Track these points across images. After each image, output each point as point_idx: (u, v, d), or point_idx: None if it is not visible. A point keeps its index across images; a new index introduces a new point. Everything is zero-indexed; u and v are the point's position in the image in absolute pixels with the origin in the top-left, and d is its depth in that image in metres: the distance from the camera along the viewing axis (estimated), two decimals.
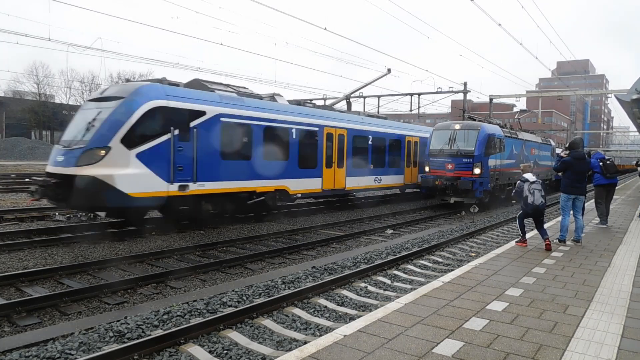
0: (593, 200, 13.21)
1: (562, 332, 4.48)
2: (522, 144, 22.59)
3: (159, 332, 5.43)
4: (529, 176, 8.75)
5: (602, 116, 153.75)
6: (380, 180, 20.02)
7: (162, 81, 12.36)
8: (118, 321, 5.83)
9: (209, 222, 13.80)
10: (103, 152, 10.75)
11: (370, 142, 19.17)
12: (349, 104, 24.95)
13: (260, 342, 5.44)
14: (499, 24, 21.70)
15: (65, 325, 6.08)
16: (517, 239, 9.29)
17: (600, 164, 11.48)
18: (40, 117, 58.13)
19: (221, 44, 28.20)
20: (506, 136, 20.59)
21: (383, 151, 20.09)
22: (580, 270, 7.04)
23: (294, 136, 15.43)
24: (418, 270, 9.16)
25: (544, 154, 26.65)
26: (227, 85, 14.64)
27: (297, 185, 15.67)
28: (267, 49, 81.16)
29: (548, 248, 8.52)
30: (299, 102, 17.42)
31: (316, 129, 16.39)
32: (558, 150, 27.43)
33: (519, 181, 8.82)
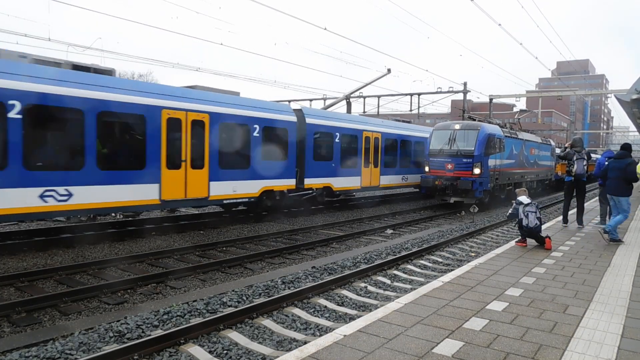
0: (595, 200, 13.22)
1: (562, 332, 4.48)
2: (522, 144, 22.59)
3: (159, 332, 5.43)
4: (524, 199, 8.91)
5: (602, 116, 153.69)
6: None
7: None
8: (118, 321, 5.83)
9: (209, 223, 13.85)
10: None
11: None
12: (349, 104, 24.94)
13: (260, 342, 5.44)
14: (499, 24, 21.69)
15: (65, 325, 6.09)
16: (517, 239, 9.30)
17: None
18: None
19: (221, 44, 28.24)
20: (506, 136, 20.58)
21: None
22: (580, 270, 7.04)
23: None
24: (418, 270, 9.16)
25: (543, 154, 26.65)
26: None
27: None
28: (267, 49, 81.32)
29: (548, 247, 8.54)
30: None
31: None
32: (558, 151, 27.48)
33: (514, 203, 8.98)
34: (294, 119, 15.69)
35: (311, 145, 16.54)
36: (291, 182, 15.67)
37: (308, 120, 16.43)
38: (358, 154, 18.74)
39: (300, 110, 16.76)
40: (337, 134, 17.64)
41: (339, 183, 17.83)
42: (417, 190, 23.55)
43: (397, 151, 21.36)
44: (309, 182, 16.51)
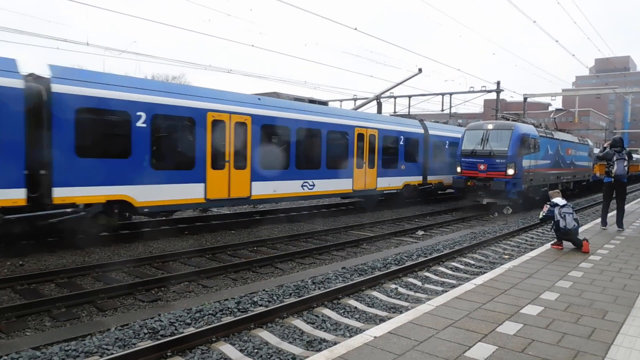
0: (636, 202, 12.74)
1: (601, 338, 4.34)
2: (557, 144, 21.97)
3: (191, 330, 5.53)
4: (559, 200, 8.64)
5: None
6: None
7: None
8: (152, 318, 5.97)
9: (241, 223, 14.05)
10: None
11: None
12: (379, 105, 24.80)
13: (290, 342, 5.47)
14: (534, 21, 21.20)
15: (102, 321, 6.28)
16: (552, 242, 9.05)
17: None
18: None
19: (252, 46, 28.60)
20: (541, 136, 20.05)
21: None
22: (620, 274, 6.79)
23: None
24: (449, 272, 9.03)
25: (580, 154, 25.83)
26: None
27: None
28: (297, 50, 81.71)
29: (586, 250, 8.28)
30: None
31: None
32: (596, 151, 26.59)
33: (548, 206, 8.70)
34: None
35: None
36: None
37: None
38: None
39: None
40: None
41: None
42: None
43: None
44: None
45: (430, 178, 20.77)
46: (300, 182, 14.85)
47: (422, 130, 20.34)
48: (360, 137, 16.94)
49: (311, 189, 15.22)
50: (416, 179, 19.97)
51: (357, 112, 18.37)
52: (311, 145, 15.27)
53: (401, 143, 18.88)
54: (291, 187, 14.60)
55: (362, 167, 16.97)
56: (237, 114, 12.87)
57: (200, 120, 11.96)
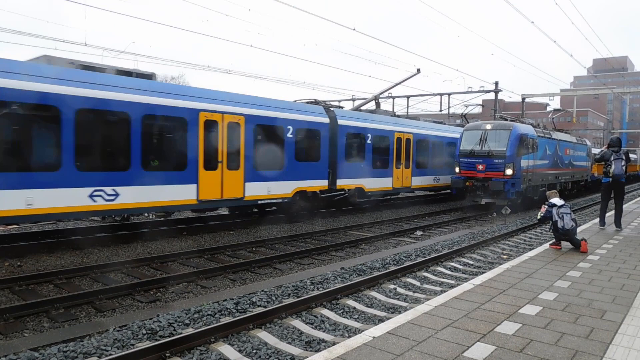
0: (634, 201, 12.76)
1: (600, 338, 4.34)
2: (556, 144, 22.00)
3: (190, 331, 5.53)
4: (556, 200, 8.64)
5: None
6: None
7: None
8: (150, 319, 5.96)
9: (239, 223, 14.03)
10: None
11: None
12: (377, 105, 24.80)
13: (289, 342, 5.46)
14: (532, 22, 21.21)
15: (101, 322, 6.27)
16: (551, 242, 9.06)
17: None
18: None
19: (251, 46, 28.56)
20: (539, 136, 20.08)
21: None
22: (618, 274, 6.80)
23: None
24: (448, 272, 9.03)
25: (579, 154, 25.86)
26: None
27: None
28: (296, 50, 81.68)
29: (584, 250, 8.28)
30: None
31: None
32: (595, 151, 26.62)
33: (546, 206, 8.69)
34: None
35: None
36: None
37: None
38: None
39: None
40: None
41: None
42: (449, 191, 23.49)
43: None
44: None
45: (342, 182, 16.55)
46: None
47: (325, 119, 15.89)
48: (209, 126, 12.26)
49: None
50: (317, 184, 15.58)
51: (204, 91, 12.83)
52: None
53: (289, 135, 14.38)
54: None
55: (216, 169, 12.47)
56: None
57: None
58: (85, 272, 8.50)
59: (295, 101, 16.65)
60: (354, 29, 19.44)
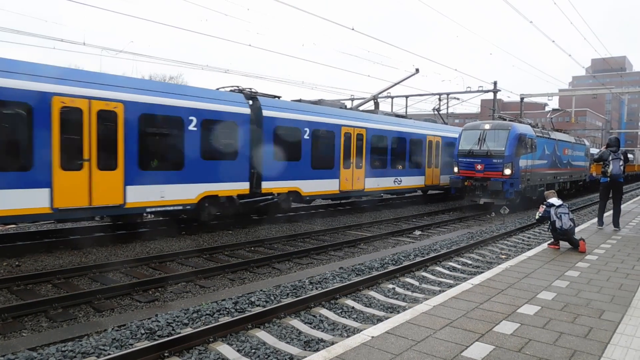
0: (632, 201, 12.77)
1: (598, 337, 4.35)
2: (554, 144, 22.03)
3: (188, 330, 5.53)
4: (554, 200, 8.64)
5: None
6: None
7: None
8: (149, 319, 5.95)
9: (237, 223, 14.03)
10: None
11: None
12: (376, 104, 24.82)
13: (287, 342, 5.47)
14: (531, 22, 21.25)
15: (99, 322, 6.26)
16: (549, 242, 9.07)
17: None
18: None
19: (249, 46, 28.55)
20: (538, 136, 20.11)
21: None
22: (616, 274, 6.81)
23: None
24: (447, 272, 9.04)
25: (577, 154, 25.90)
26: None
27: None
28: (295, 50, 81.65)
29: (582, 250, 8.29)
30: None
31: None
32: (594, 150, 26.66)
33: (544, 206, 8.70)
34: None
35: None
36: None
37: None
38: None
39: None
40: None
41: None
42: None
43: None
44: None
45: (269, 185, 13.98)
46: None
47: (245, 110, 13.24)
48: (68, 114, 9.78)
49: None
50: (234, 187, 13.06)
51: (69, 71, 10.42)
52: None
53: (191, 128, 11.80)
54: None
55: (81, 169, 9.96)
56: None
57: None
58: (84, 272, 8.49)
59: (218, 89, 13.79)
60: (353, 29, 19.45)
